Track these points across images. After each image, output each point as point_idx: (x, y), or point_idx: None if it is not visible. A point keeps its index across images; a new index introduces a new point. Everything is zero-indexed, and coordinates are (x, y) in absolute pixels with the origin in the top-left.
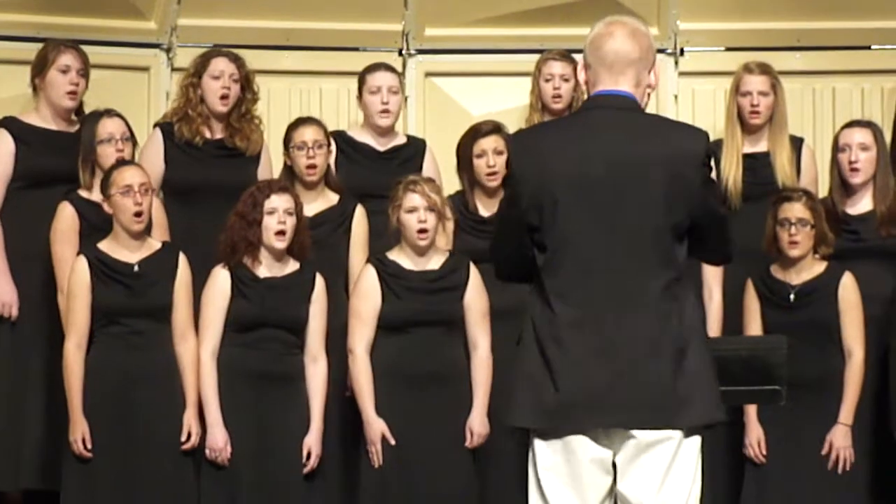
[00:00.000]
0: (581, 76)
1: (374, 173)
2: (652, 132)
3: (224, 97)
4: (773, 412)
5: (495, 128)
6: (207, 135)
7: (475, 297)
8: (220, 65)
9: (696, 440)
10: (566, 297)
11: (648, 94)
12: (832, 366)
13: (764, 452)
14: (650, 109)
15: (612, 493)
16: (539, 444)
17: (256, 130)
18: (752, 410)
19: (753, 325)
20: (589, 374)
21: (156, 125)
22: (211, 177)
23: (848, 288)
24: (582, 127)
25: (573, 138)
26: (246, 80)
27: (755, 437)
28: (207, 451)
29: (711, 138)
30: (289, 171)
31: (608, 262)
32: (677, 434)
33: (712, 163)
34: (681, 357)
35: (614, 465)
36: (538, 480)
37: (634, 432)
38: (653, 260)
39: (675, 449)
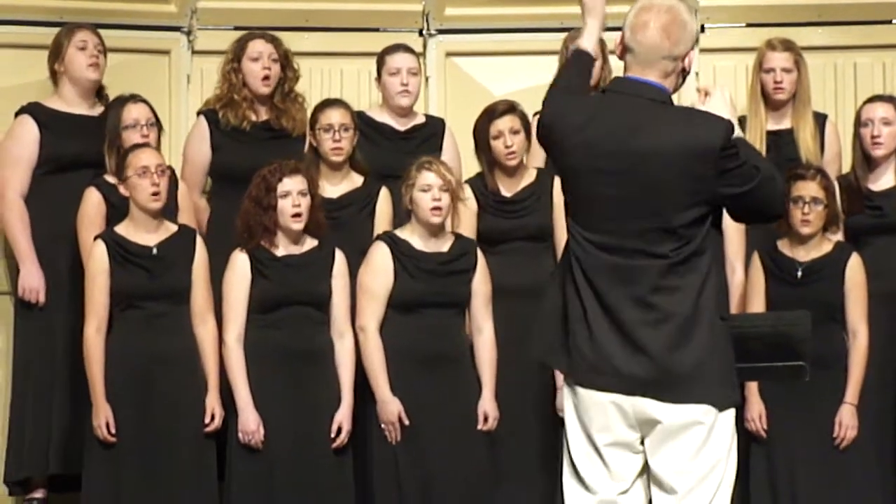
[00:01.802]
0: (618, 49)
1: (394, 153)
2: (668, 123)
3: (266, 78)
4: (776, 390)
5: (510, 107)
6: (253, 118)
7: (482, 282)
8: (258, 46)
9: (730, 419)
10: (586, 270)
11: (683, 78)
12: (834, 344)
13: (765, 427)
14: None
15: (643, 474)
16: (575, 391)
17: (301, 109)
18: (753, 386)
19: (757, 300)
20: (612, 345)
21: (199, 113)
22: (261, 160)
23: (855, 268)
24: (603, 109)
25: (593, 119)
26: (285, 59)
27: (756, 412)
28: (240, 435)
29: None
30: (314, 152)
31: (618, 250)
32: (706, 413)
33: (735, 149)
34: (700, 334)
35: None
36: (578, 416)
37: (662, 412)
38: (668, 239)
39: (707, 429)
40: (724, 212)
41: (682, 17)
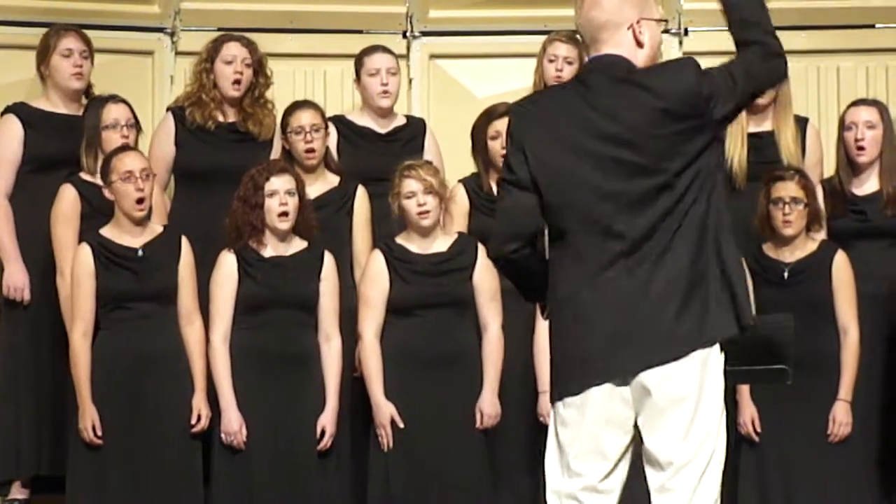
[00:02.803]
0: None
1: (376, 156)
2: (643, 83)
3: (237, 82)
4: (766, 391)
5: (509, 110)
6: (220, 119)
7: (484, 278)
8: (233, 49)
9: (718, 395)
10: (585, 255)
11: (643, 47)
12: (825, 343)
13: (758, 430)
14: None
15: (628, 451)
16: (561, 407)
17: (269, 115)
18: (744, 389)
19: None
20: (600, 331)
21: (168, 109)
22: (223, 161)
23: (841, 266)
24: (578, 91)
25: (571, 102)
26: (259, 65)
27: (749, 415)
28: (223, 436)
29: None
30: (287, 155)
31: (625, 219)
32: (695, 388)
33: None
34: (691, 291)
35: (637, 426)
36: (558, 437)
37: (654, 388)
38: (668, 204)
39: (696, 402)
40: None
41: None
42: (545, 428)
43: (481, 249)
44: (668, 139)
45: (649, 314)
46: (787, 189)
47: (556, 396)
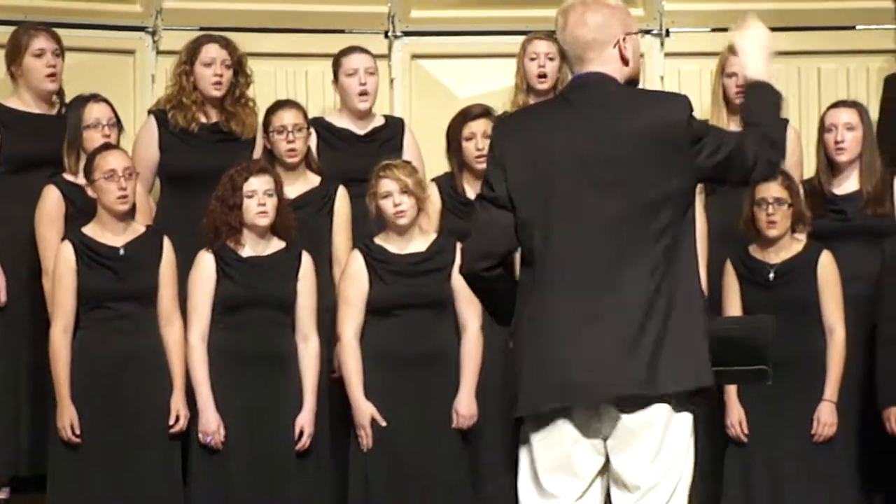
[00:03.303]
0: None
1: (355, 158)
2: (632, 107)
3: (217, 83)
4: (753, 391)
5: (485, 111)
6: (203, 120)
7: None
8: (212, 51)
9: (686, 417)
10: (556, 277)
11: (627, 64)
12: (812, 344)
13: (746, 431)
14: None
15: (604, 472)
16: (531, 426)
17: (251, 114)
18: (732, 390)
19: (733, 306)
20: (579, 352)
21: (150, 112)
22: (207, 162)
23: (826, 266)
24: (563, 109)
25: (556, 120)
26: (238, 64)
27: (736, 417)
28: (200, 436)
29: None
30: (268, 154)
31: (600, 241)
32: (664, 411)
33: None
34: (663, 324)
35: (606, 446)
36: (531, 460)
37: (623, 414)
38: (645, 235)
39: (665, 426)
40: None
41: (598, 2)
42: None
43: (459, 249)
44: (647, 167)
45: (623, 343)
46: (771, 190)
47: (526, 414)
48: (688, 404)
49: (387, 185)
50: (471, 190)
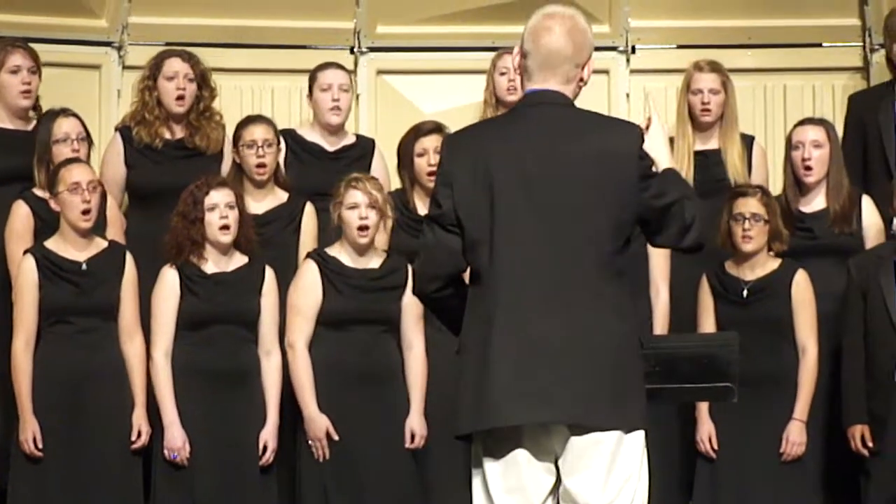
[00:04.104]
0: (515, 60)
1: (323, 173)
2: (585, 131)
3: (180, 98)
4: (724, 407)
5: (436, 127)
6: (167, 136)
7: (413, 299)
8: (175, 65)
9: (639, 436)
10: (501, 298)
11: (580, 88)
12: (784, 362)
13: (715, 447)
14: (603, 108)
15: (555, 492)
16: (481, 447)
17: (217, 128)
18: (703, 406)
19: (707, 321)
20: (523, 373)
21: (116, 129)
22: (172, 178)
23: (801, 285)
24: (515, 126)
25: (506, 137)
26: (202, 78)
27: (706, 433)
28: (165, 452)
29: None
30: (238, 168)
31: (544, 262)
32: (616, 432)
33: (647, 153)
34: (618, 356)
35: (557, 467)
36: (484, 482)
37: (573, 435)
38: (593, 258)
39: (616, 446)
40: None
41: (582, 25)
42: None
43: (411, 270)
44: (591, 192)
45: (577, 370)
46: (749, 205)
47: (475, 430)
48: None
49: (356, 196)
50: (422, 206)
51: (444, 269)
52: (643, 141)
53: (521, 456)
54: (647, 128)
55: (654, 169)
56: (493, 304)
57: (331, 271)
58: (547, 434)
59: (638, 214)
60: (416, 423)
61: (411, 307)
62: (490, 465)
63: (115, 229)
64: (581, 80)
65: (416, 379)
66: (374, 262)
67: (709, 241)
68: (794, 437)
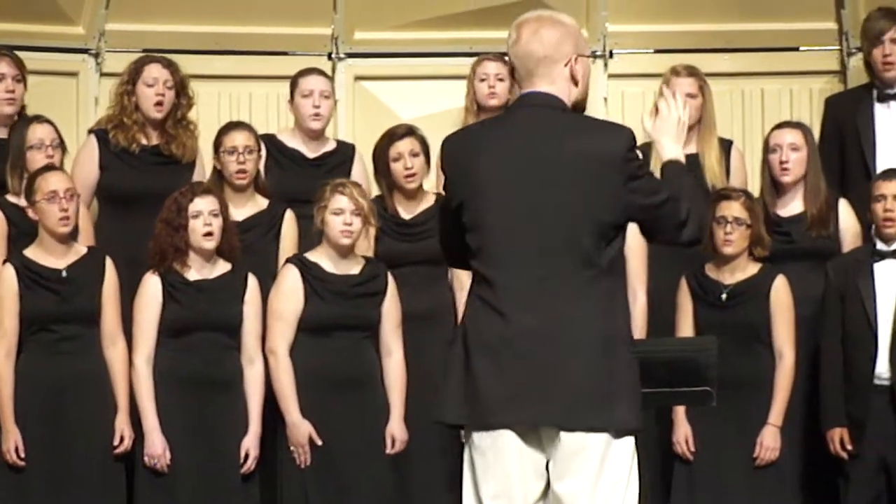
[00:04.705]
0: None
1: (303, 179)
2: (570, 132)
3: (159, 104)
4: (702, 410)
5: (409, 130)
6: (143, 141)
7: (392, 305)
8: (154, 71)
9: (629, 441)
10: (491, 294)
11: (578, 83)
12: (761, 366)
13: (692, 449)
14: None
15: (546, 495)
16: (473, 444)
17: (192, 137)
18: (680, 408)
19: (685, 324)
20: (511, 371)
21: (90, 131)
22: (147, 184)
23: (780, 290)
24: (504, 128)
25: (497, 140)
26: (181, 86)
27: (683, 435)
28: (146, 458)
29: (640, 141)
30: (218, 175)
31: (530, 261)
32: (605, 435)
33: (639, 154)
34: (605, 357)
35: (548, 469)
36: (474, 482)
37: (563, 435)
38: (576, 259)
39: (605, 450)
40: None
41: (552, 20)
42: (455, 449)
43: (390, 277)
44: (579, 194)
45: (565, 369)
46: (732, 209)
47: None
48: (630, 432)
49: (341, 201)
50: (403, 210)
51: (453, 252)
52: (633, 142)
53: (509, 458)
54: (656, 114)
55: (645, 168)
56: (484, 301)
57: (312, 277)
58: (536, 435)
59: (627, 215)
60: (396, 429)
61: (391, 313)
62: (481, 465)
63: (86, 236)
64: (573, 79)
65: (396, 384)
66: (354, 268)
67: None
68: (769, 442)
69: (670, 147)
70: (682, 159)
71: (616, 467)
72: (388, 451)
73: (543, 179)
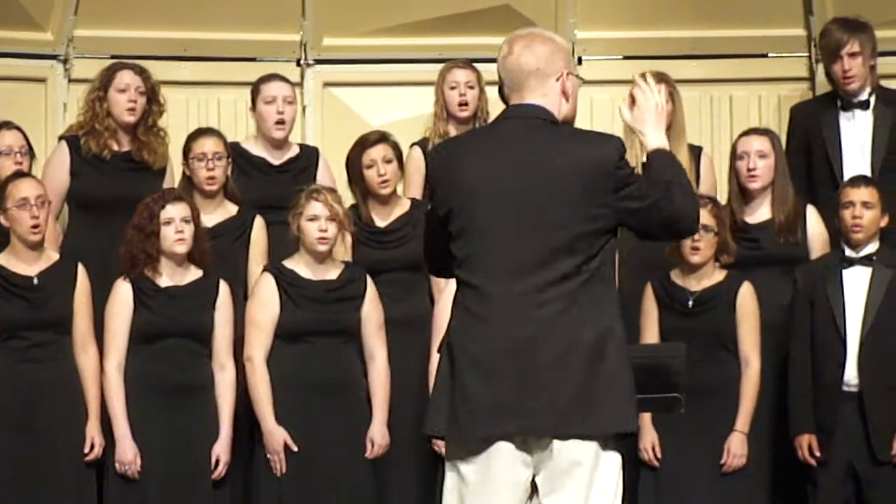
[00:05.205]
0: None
1: (268, 186)
2: (563, 142)
3: (131, 110)
4: (668, 417)
5: (382, 137)
6: (115, 148)
7: (372, 309)
8: (126, 78)
9: (616, 456)
10: (478, 303)
11: (569, 99)
12: (726, 373)
13: (658, 456)
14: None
15: None
16: (456, 455)
17: (163, 143)
18: (646, 415)
19: (650, 330)
20: (499, 381)
21: (61, 138)
22: (118, 190)
23: (746, 297)
24: (494, 138)
25: (486, 149)
26: (152, 93)
27: (649, 441)
28: (117, 465)
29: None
30: (188, 181)
31: (520, 270)
32: (593, 448)
33: (629, 162)
34: (595, 363)
35: (535, 484)
36: (458, 493)
37: (555, 445)
38: (566, 267)
39: (595, 462)
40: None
41: (543, 37)
42: (436, 456)
43: (370, 281)
44: (568, 204)
45: (553, 378)
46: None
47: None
48: (615, 444)
49: (316, 208)
50: (378, 218)
51: (437, 260)
52: (623, 151)
53: (497, 475)
54: (632, 104)
55: (635, 175)
56: (471, 311)
57: (288, 284)
58: (525, 448)
59: (619, 221)
60: (377, 433)
61: (372, 317)
62: (464, 473)
63: (50, 242)
64: (564, 94)
65: (378, 389)
66: (331, 273)
67: (654, 250)
68: (736, 449)
69: (653, 135)
70: (667, 146)
71: (606, 480)
72: (367, 454)
73: (533, 189)
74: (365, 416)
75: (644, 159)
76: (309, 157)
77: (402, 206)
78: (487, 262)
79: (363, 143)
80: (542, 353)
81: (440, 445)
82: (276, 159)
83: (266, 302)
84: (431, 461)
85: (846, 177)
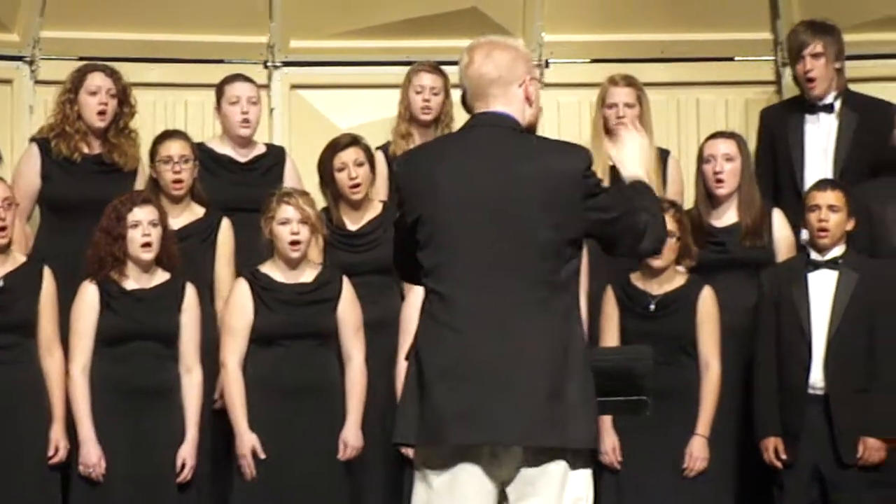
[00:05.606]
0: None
1: (236, 185)
2: (531, 152)
3: (101, 113)
4: (628, 420)
5: (353, 140)
6: (85, 150)
7: (348, 310)
8: (97, 80)
9: (584, 473)
10: (447, 312)
11: (532, 104)
12: (687, 377)
13: (619, 458)
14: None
15: None
16: (424, 464)
17: (133, 145)
18: (607, 418)
19: (610, 333)
20: (467, 391)
21: (32, 140)
22: (89, 193)
23: (707, 301)
24: (464, 146)
25: (456, 157)
26: (123, 94)
27: (610, 444)
28: (80, 468)
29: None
30: (154, 183)
31: (488, 279)
32: (562, 465)
33: (596, 172)
34: (562, 375)
35: (505, 496)
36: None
37: (521, 457)
38: (534, 276)
39: (566, 471)
40: None
41: (504, 44)
42: (404, 459)
43: (346, 282)
44: (535, 212)
45: (521, 387)
46: None
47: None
48: (585, 454)
49: (287, 211)
50: (349, 221)
51: (407, 267)
52: (590, 162)
53: (469, 481)
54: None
55: (602, 185)
56: (438, 320)
57: (262, 288)
58: (494, 457)
59: (585, 231)
60: (350, 435)
61: (348, 319)
62: (432, 482)
63: (19, 244)
64: (527, 99)
65: (353, 390)
66: (306, 276)
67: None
68: (697, 453)
69: (632, 166)
70: (643, 178)
71: (576, 485)
72: (340, 456)
73: (501, 198)
74: (340, 419)
75: (610, 164)
76: (276, 156)
77: (374, 210)
78: (455, 271)
79: (334, 147)
80: (509, 362)
81: (409, 451)
82: (242, 157)
83: (240, 308)
84: (400, 464)
85: (807, 180)
